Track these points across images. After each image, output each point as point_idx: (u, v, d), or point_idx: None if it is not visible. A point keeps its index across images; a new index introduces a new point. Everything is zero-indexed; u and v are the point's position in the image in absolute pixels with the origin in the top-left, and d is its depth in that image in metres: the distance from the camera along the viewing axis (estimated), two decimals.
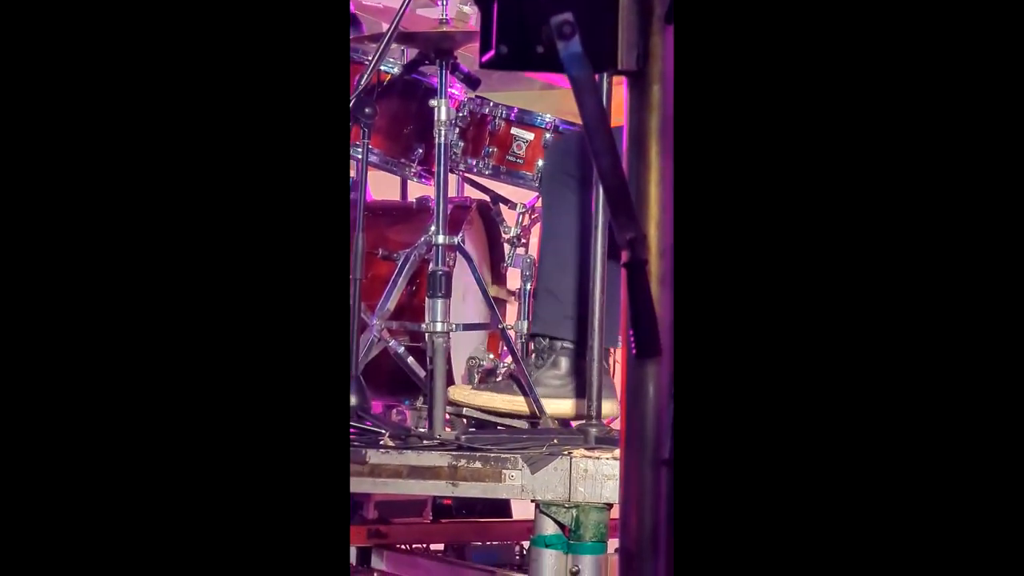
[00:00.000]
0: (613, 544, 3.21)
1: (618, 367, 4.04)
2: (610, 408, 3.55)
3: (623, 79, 1.64)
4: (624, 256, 1.59)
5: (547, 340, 3.84)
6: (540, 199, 4.24)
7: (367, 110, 3.77)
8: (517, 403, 3.77)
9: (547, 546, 3.22)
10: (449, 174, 3.94)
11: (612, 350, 3.96)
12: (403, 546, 4.32)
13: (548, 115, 4.30)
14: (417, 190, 4.57)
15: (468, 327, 4.26)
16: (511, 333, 4.14)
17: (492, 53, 1.63)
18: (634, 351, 1.60)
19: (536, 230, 4.34)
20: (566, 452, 3.22)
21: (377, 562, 4.28)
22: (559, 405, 3.77)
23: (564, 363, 3.81)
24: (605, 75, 3.00)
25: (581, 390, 3.66)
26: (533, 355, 3.88)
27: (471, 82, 4.12)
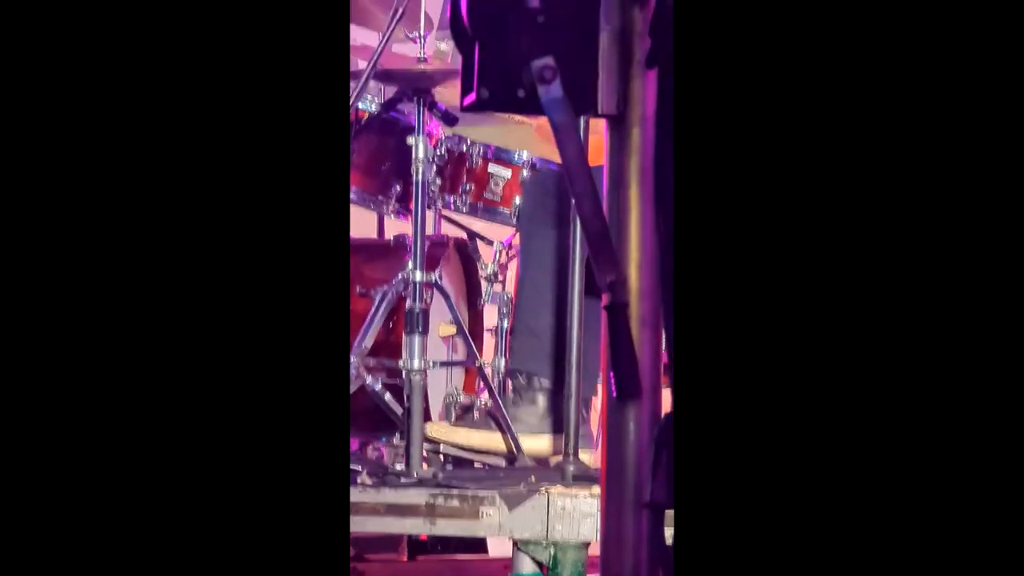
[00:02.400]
0: None
1: (595, 414, 4.04)
2: (587, 458, 3.54)
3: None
4: (605, 299, 1.59)
5: (525, 377, 3.84)
6: (517, 236, 4.24)
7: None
8: (494, 440, 3.77)
9: None
10: (427, 211, 3.95)
11: (592, 398, 3.96)
12: None
13: (525, 152, 4.31)
14: (395, 227, 4.57)
15: (445, 364, 4.26)
16: (488, 370, 4.14)
17: (473, 96, 1.63)
18: (614, 393, 1.61)
19: (513, 267, 4.35)
20: (544, 490, 3.22)
21: None
22: (536, 442, 3.78)
23: (541, 400, 3.81)
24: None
25: (558, 427, 3.66)
26: (511, 392, 3.88)
27: (448, 120, 4.12)
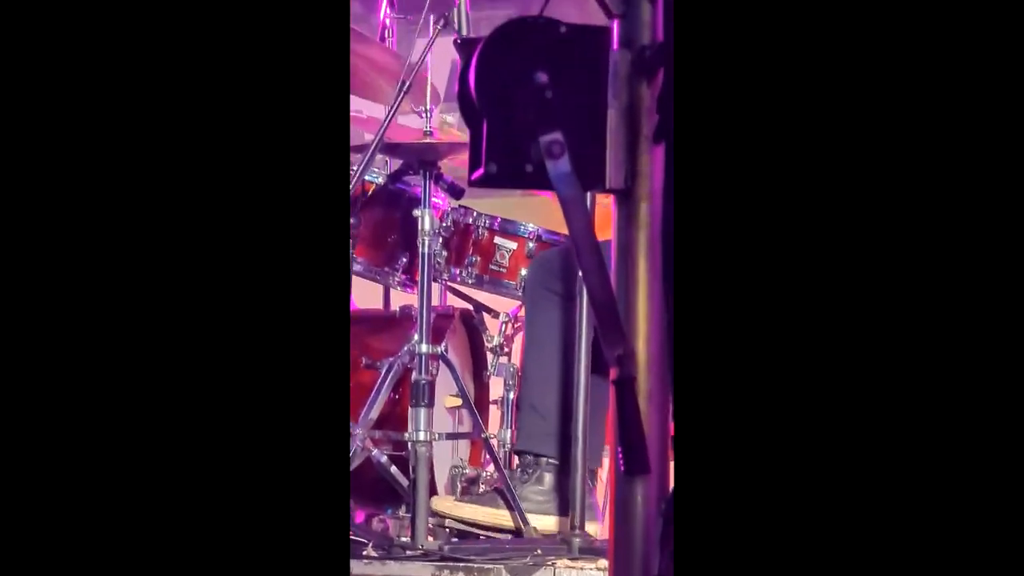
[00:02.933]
0: None
1: (600, 485, 4.03)
2: (592, 530, 3.53)
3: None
4: (612, 372, 1.59)
5: (531, 456, 3.83)
6: (523, 308, 4.25)
7: (352, 220, 3.78)
8: (500, 517, 3.75)
9: None
10: (432, 283, 3.95)
11: (597, 468, 3.96)
12: None
13: (531, 224, 4.32)
14: (401, 299, 4.58)
15: (451, 436, 4.26)
16: (494, 442, 4.13)
17: (481, 171, 1.64)
18: (623, 468, 1.60)
19: (519, 339, 4.34)
20: (549, 563, 3.20)
21: None
22: (543, 521, 3.76)
23: (548, 479, 3.80)
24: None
25: (565, 507, 3.64)
26: (518, 469, 3.87)
27: (454, 192, 4.14)
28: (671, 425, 1.63)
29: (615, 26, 1.63)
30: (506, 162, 1.63)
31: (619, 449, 1.59)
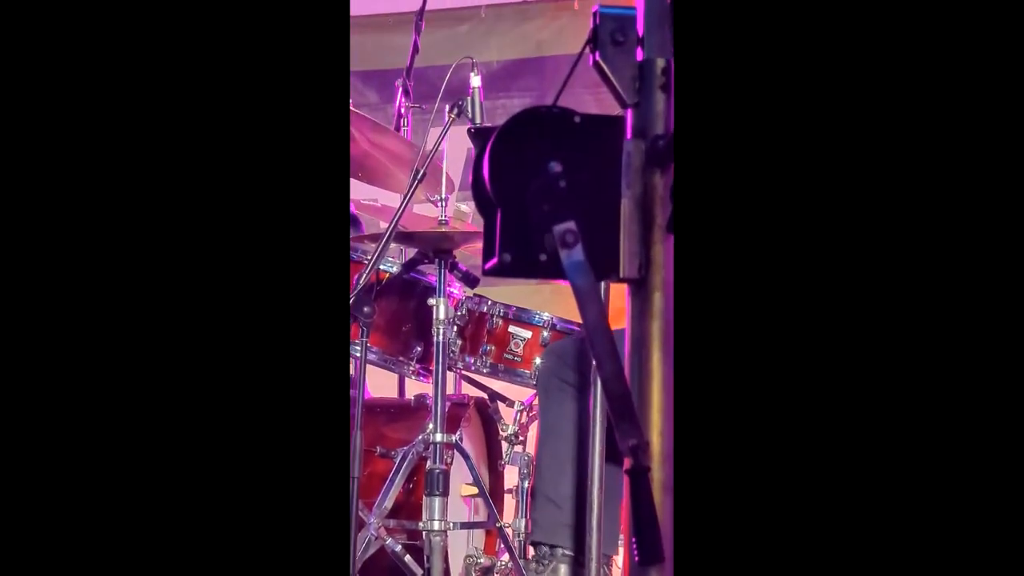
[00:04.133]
0: None
1: (616, 571, 4.00)
2: None
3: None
4: (626, 463, 1.58)
5: (547, 547, 3.81)
6: (537, 398, 4.23)
7: (366, 309, 3.78)
8: None
9: None
10: (447, 372, 3.95)
11: (612, 556, 3.93)
12: None
13: (546, 313, 4.32)
14: (415, 387, 4.57)
15: (465, 525, 4.23)
16: (509, 531, 4.11)
17: (495, 260, 1.64)
18: (637, 558, 1.59)
19: (533, 427, 4.33)
20: None
21: None
22: None
23: (563, 570, 3.77)
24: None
25: None
26: (533, 561, 3.84)
27: (469, 281, 4.14)
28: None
29: (629, 116, 1.63)
30: (520, 252, 1.63)
31: (633, 539, 1.58)
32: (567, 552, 3.76)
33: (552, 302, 4.99)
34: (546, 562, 3.79)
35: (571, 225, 1.57)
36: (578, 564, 3.70)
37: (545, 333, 4.28)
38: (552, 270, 1.59)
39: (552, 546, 3.79)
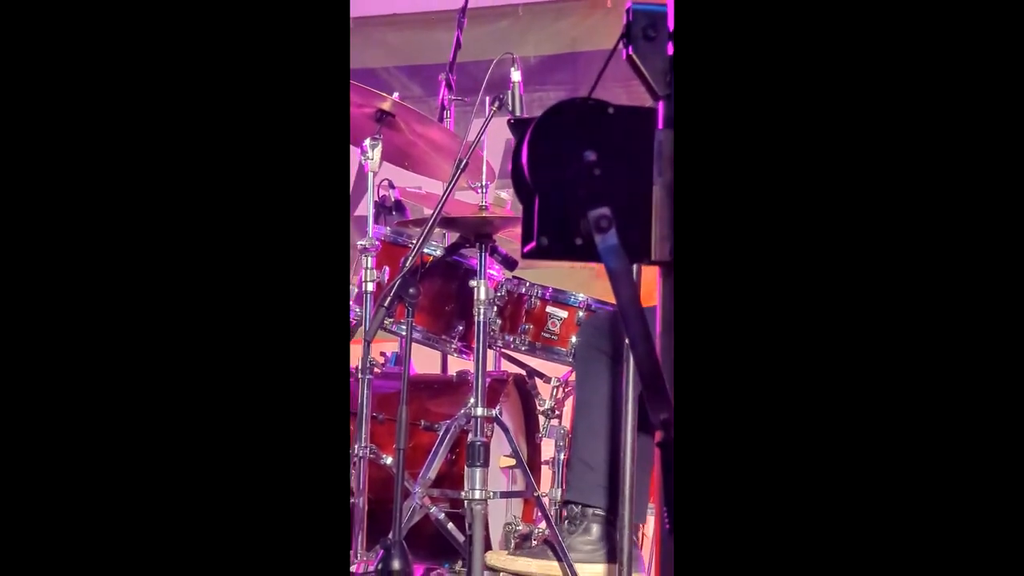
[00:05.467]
0: None
1: (645, 540, 4.00)
2: None
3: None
4: (657, 435, 1.58)
5: (579, 507, 3.81)
6: (573, 373, 4.23)
7: (411, 290, 3.78)
8: (551, 568, 3.73)
9: None
10: (487, 350, 3.95)
11: (641, 524, 3.92)
12: None
13: (581, 294, 4.32)
14: (457, 364, 4.58)
15: (505, 495, 4.23)
16: (545, 500, 4.11)
17: (533, 244, 1.63)
18: (667, 526, 1.58)
19: (569, 403, 4.33)
20: None
21: None
22: (591, 570, 3.73)
23: (596, 529, 3.77)
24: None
25: (612, 555, 3.62)
26: (566, 521, 3.84)
27: (508, 263, 4.14)
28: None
29: (660, 107, 1.63)
30: (557, 236, 1.63)
31: (664, 508, 1.57)
32: (599, 512, 3.76)
33: (588, 284, 4.98)
34: (578, 522, 3.79)
35: (605, 211, 1.57)
36: (609, 524, 3.70)
37: (581, 313, 4.27)
38: (587, 253, 1.59)
39: (585, 506, 3.79)
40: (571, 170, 1.61)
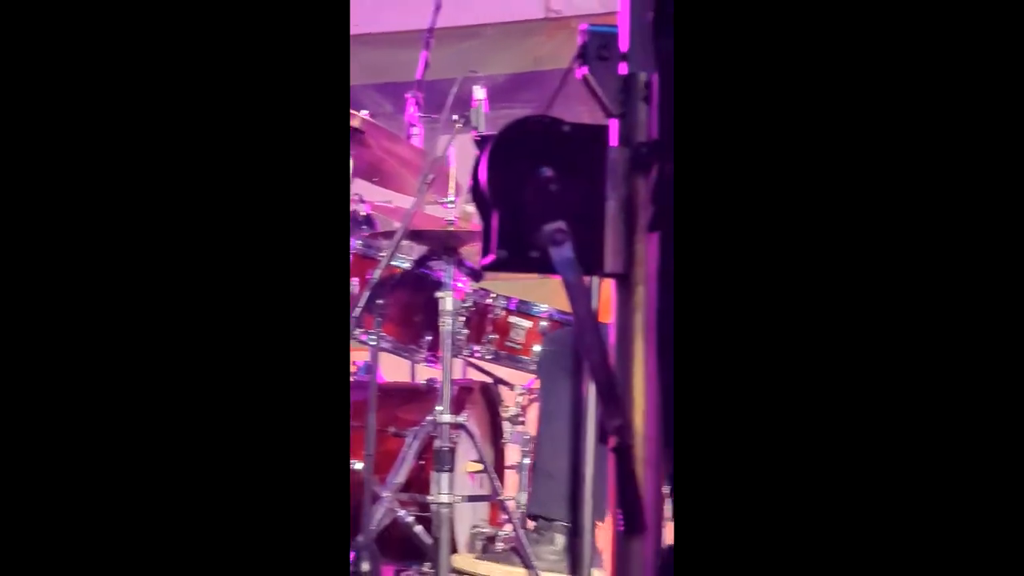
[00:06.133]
0: None
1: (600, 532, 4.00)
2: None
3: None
4: (611, 441, 1.58)
5: (545, 519, 3.81)
6: (537, 381, 4.24)
7: (380, 301, 3.78)
8: (516, 574, 3.73)
9: None
10: (454, 358, 3.95)
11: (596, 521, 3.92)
12: None
13: (544, 305, 4.33)
14: (425, 373, 4.58)
15: (471, 499, 4.23)
16: (510, 504, 4.11)
17: (492, 257, 1.64)
18: (621, 528, 1.59)
19: (533, 409, 4.33)
20: None
21: None
22: None
23: (560, 539, 3.77)
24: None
25: (576, 566, 3.61)
26: (532, 530, 3.85)
27: (475, 275, 4.15)
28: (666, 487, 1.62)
29: (614, 125, 1.64)
30: (514, 249, 1.63)
31: (618, 511, 1.58)
32: (563, 523, 3.76)
33: (552, 296, 4.99)
34: (544, 532, 3.79)
35: (561, 224, 1.57)
36: (573, 534, 3.70)
37: (544, 323, 4.29)
38: (544, 266, 1.60)
39: (549, 517, 3.79)
40: (528, 185, 1.62)
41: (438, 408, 3.85)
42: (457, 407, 3.97)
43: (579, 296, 1.58)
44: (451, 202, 4.07)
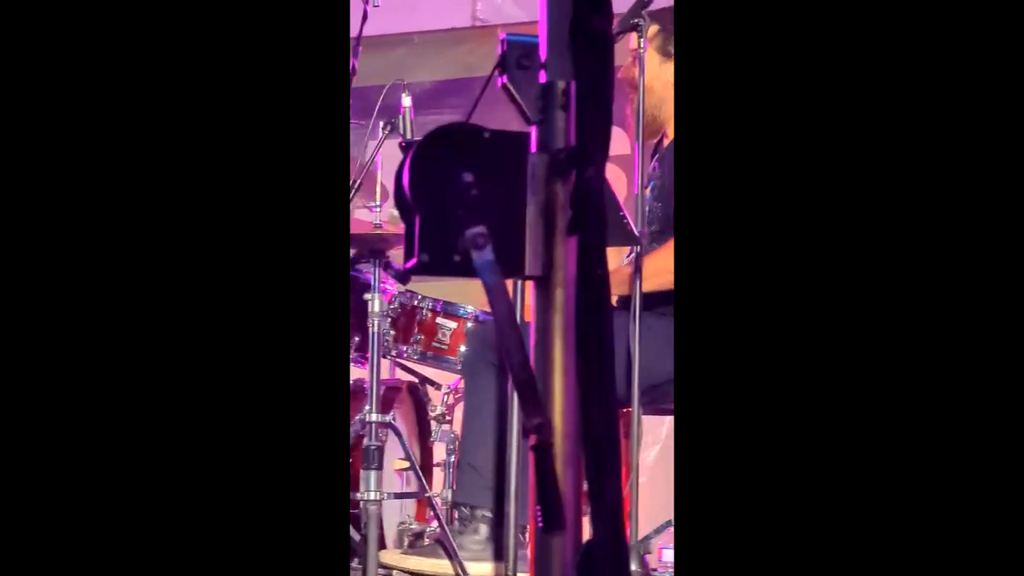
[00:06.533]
0: None
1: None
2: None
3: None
4: (531, 439, 1.59)
5: (468, 508, 3.81)
6: (462, 381, 4.24)
7: None
8: (442, 566, 3.73)
9: None
10: (382, 359, 3.95)
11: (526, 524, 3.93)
12: None
13: (470, 306, 4.33)
14: (354, 373, 4.56)
15: (398, 496, 4.23)
16: (437, 500, 4.11)
17: (415, 260, 1.64)
18: (541, 524, 1.60)
19: (459, 408, 4.33)
20: None
21: None
22: (480, 568, 3.73)
23: (484, 529, 3.77)
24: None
25: (499, 553, 3.63)
26: (456, 521, 3.85)
27: (401, 278, 4.15)
28: (584, 485, 1.62)
29: (533, 131, 1.64)
30: (437, 252, 1.63)
31: (538, 508, 1.59)
32: (486, 512, 3.77)
33: (478, 297, 4.99)
34: (467, 522, 3.79)
35: (482, 229, 1.58)
36: (496, 524, 3.71)
37: (469, 324, 4.29)
38: (465, 269, 1.60)
39: (473, 507, 3.79)
40: (450, 190, 1.62)
41: (366, 407, 3.84)
42: (385, 406, 3.97)
43: (499, 299, 1.58)
44: (378, 206, 4.06)
